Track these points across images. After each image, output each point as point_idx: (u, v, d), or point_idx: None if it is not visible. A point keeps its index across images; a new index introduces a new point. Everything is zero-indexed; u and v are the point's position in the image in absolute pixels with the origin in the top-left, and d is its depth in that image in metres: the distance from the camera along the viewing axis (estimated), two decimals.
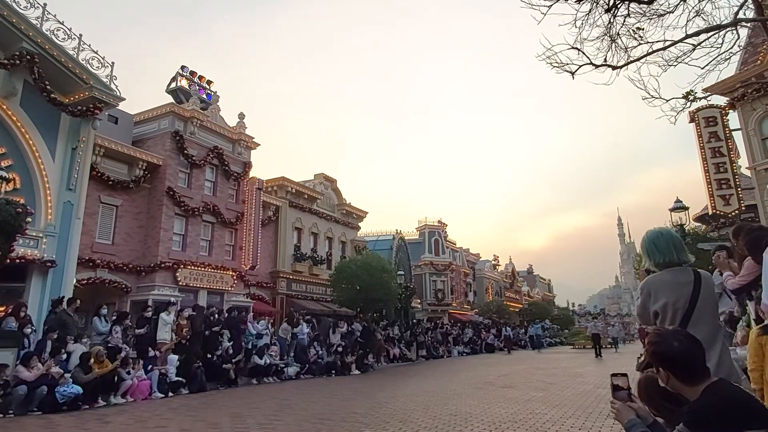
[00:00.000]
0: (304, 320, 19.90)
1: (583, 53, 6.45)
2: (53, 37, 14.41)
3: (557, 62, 6.46)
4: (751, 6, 6.23)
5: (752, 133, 16.11)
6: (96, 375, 10.77)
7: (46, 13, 14.26)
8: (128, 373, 11.69)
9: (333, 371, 18.25)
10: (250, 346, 16.37)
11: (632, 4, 6.30)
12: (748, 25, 8.15)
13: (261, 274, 23.93)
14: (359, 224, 33.01)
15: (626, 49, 6.53)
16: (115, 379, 11.29)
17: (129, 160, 18.47)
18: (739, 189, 16.90)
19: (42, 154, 14.51)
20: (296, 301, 24.83)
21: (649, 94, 6.64)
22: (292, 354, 18.11)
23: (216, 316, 16.58)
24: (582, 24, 6.31)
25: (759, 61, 15.66)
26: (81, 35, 15.00)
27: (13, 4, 13.64)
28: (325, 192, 29.68)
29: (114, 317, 14.02)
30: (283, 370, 16.68)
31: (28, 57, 13.88)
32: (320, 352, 19.22)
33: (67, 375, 10.50)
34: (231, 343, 15.41)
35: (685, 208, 15.47)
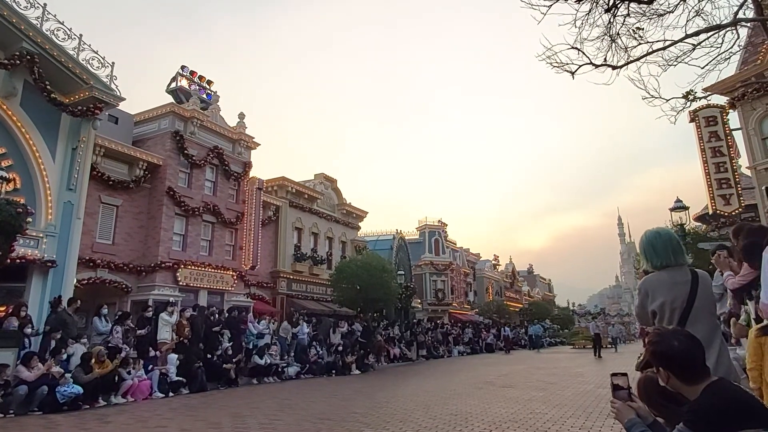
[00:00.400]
0: (304, 320, 19.92)
1: (583, 53, 6.46)
2: (53, 37, 14.40)
3: (557, 62, 6.47)
4: (751, 6, 6.23)
5: (752, 132, 16.11)
6: (96, 375, 10.77)
7: (46, 13, 14.25)
8: (129, 373, 11.70)
9: (333, 371, 18.26)
10: (251, 346, 16.39)
11: (632, 4, 6.31)
12: (748, 24, 8.15)
13: (261, 274, 23.93)
14: (359, 224, 33.02)
15: (626, 48, 6.53)
16: (116, 379, 11.30)
17: (129, 160, 18.47)
18: (739, 188, 16.90)
19: (42, 154, 14.51)
20: (296, 301, 24.83)
21: (649, 93, 6.64)
22: (292, 354, 18.13)
23: (216, 316, 16.59)
24: (582, 24, 6.31)
25: (759, 61, 15.66)
26: (81, 35, 15.01)
27: (13, 4, 13.63)
28: (325, 192, 29.68)
29: (116, 317, 14.05)
30: (284, 370, 16.70)
31: (29, 57, 13.88)
32: (320, 351, 19.23)
33: (68, 375, 10.51)
34: (231, 343, 15.41)
35: (686, 208, 15.50)
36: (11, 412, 9.41)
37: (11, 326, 11.17)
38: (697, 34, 6.13)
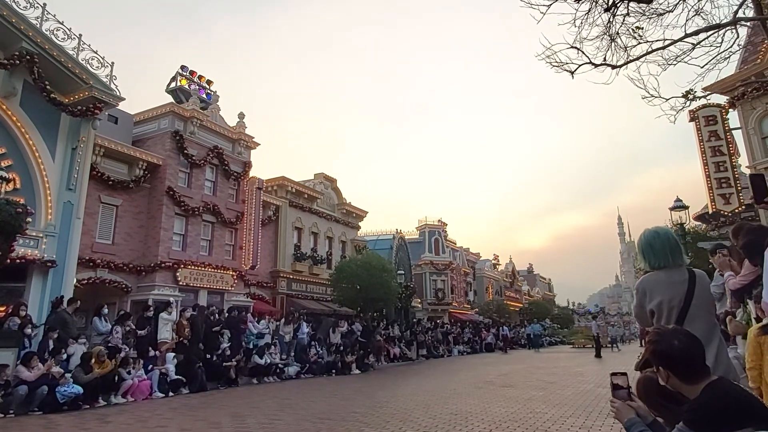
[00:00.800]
0: (304, 320, 19.92)
1: (583, 52, 6.45)
2: (53, 37, 14.40)
3: (557, 62, 6.46)
4: (751, 5, 6.23)
5: (752, 131, 16.10)
6: (96, 375, 10.78)
7: (45, 13, 14.25)
8: (129, 373, 11.71)
9: (333, 371, 18.27)
10: (251, 346, 16.39)
11: (632, 4, 6.30)
12: (748, 24, 8.15)
13: (261, 274, 23.93)
14: (359, 224, 33.02)
15: (626, 48, 6.53)
16: (116, 378, 11.31)
17: (129, 159, 18.46)
18: (739, 188, 16.88)
19: (42, 154, 14.51)
20: (296, 300, 24.83)
21: (648, 93, 6.64)
22: (292, 353, 18.13)
23: (216, 315, 16.59)
24: (581, 23, 6.31)
25: (759, 60, 15.65)
26: (81, 35, 15.00)
27: (13, 4, 13.63)
28: (325, 191, 29.68)
29: (117, 317, 14.07)
30: (284, 370, 16.70)
31: (28, 57, 13.87)
32: (320, 351, 19.24)
33: (68, 375, 10.51)
34: (229, 344, 15.40)
35: (685, 207, 15.49)
36: (11, 412, 9.41)
37: (13, 325, 11.17)
38: (696, 33, 6.13)
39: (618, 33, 6.45)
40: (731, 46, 6.33)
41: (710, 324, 3.06)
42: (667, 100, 6.74)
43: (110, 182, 17.64)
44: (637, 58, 6.47)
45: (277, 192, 26.13)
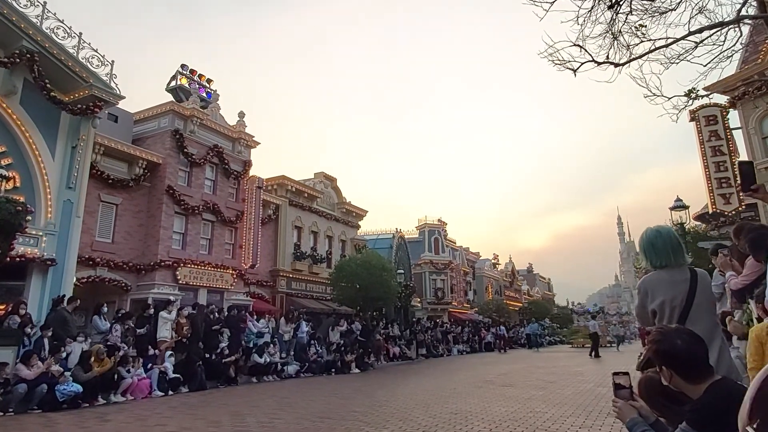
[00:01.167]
0: (303, 319, 19.91)
1: (586, 50, 6.45)
2: (53, 35, 14.38)
3: (559, 59, 6.45)
4: (754, 3, 6.22)
5: (753, 131, 16.10)
6: (96, 373, 10.77)
7: (45, 11, 14.24)
8: (128, 371, 11.70)
9: (333, 370, 18.27)
10: (251, 345, 16.38)
11: (635, 1, 6.29)
12: (750, 22, 8.14)
13: (261, 273, 23.92)
14: (359, 223, 33.01)
15: (628, 46, 6.52)
16: (115, 377, 11.31)
17: (129, 158, 18.45)
18: (738, 188, 16.88)
19: (42, 152, 14.49)
20: (296, 299, 24.82)
21: (650, 91, 6.63)
22: (292, 352, 18.13)
23: (216, 314, 16.59)
24: (584, 21, 6.30)
25: (760, 60, 15.64)
26: (81, 33, 14.98)
27: (13, 3, 13.61)
28: (325, 190, 29.67)
29: (117, 316, 14.06)
30: (283, 369, 16.69)
31: (28, 55, 13.85)
32: (320, 350, 19.23)
33: (67, 373, 10.50)
34: (227, 343, 15.38)
35: (686, 207, 15.48)
36: (11, 410, 9.41)
37: (13, 324, 11.16)
38: (700, 31, 6.12)
39: (621, 31, 6.44)
40: (734, 45, 6.32)
41: (712, 323, 3.06)
42: (670, 98, 6.74)
43: (110, 181, 17.62)
44: (640, 57, 6.46)
45: (277, 191, 26.12)
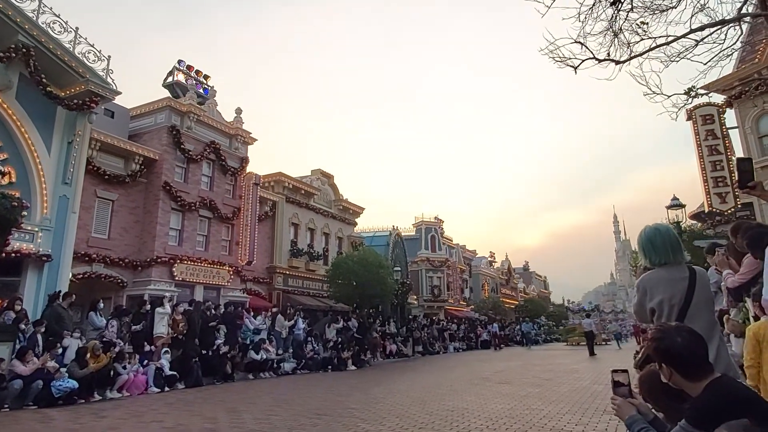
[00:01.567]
0: (300, 316, 19.90)
1: (587, 47, 6.45)
2: (49, 30, 14.30)
3: (560, 56, 6.45)
4: (755, 1, 6.23)
5: (749, 131, 16.16)
6: (92, 369, 10.74)
7: (42, 5, 14.15)
8: (124, 367, 11.68)
9: (329, 367, 18.29)
10: (248, 342, 16.36)
11: None
12: (749, 20, 8.15)
13: (257, 270, 23.89)
14: (356, 220, 33.00)
15: (629, 44, 6.53)
16: (111, 373, 11.27)
17: (125, 154, 18.39)
18: (735, 187, 16.95)
19: (38, 147, 14.41)
20: (293, 296, 24.82)
21: (650, 89, 6.64)
22: (289, 350, 18.12)
23: (212, 311, 16.56)
24: (586, 18, 6.30)
25: (757, 60, 15.69)
26: (77, 28, 14.91)
27: None
28: (322, 187, 29.64)
29: (114, 312, 14.02)
30: (280, 366, 16.69)
31: (24, 50, 13.77)
32: (317, 347, 19.24)
33: (63, 369, 10.47)
34: (224, 339, 15.36)
35: (682, 206, 15.52)
36: (6, 406, 9.37)
37: (8, 320, 11.11)
38: (701, 29, 6.13)
39: (622, 29, 6.45)
40: (734, 43, 6.34)
41: (711, 321, 3.06)
42: (669, 96, 6.75)
43: (106, 176, 17.57)
44: (641, 54, 6.47)
45: (274, 188, 26.08)
